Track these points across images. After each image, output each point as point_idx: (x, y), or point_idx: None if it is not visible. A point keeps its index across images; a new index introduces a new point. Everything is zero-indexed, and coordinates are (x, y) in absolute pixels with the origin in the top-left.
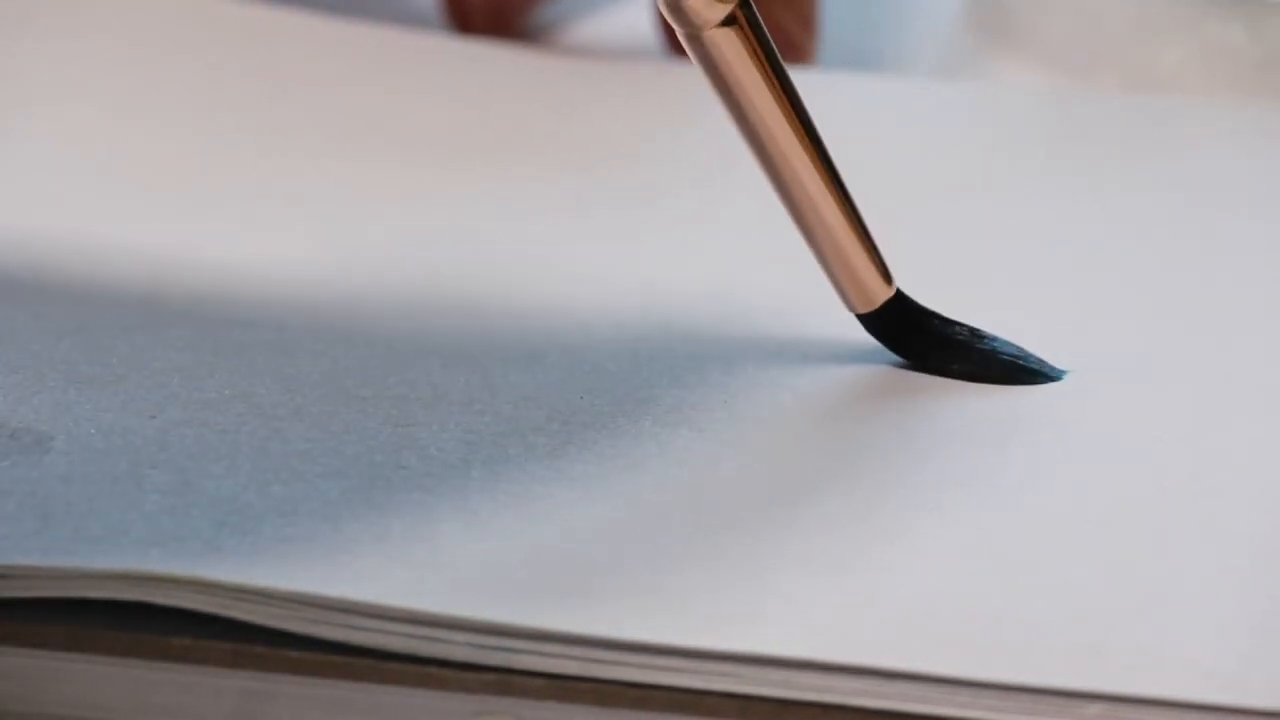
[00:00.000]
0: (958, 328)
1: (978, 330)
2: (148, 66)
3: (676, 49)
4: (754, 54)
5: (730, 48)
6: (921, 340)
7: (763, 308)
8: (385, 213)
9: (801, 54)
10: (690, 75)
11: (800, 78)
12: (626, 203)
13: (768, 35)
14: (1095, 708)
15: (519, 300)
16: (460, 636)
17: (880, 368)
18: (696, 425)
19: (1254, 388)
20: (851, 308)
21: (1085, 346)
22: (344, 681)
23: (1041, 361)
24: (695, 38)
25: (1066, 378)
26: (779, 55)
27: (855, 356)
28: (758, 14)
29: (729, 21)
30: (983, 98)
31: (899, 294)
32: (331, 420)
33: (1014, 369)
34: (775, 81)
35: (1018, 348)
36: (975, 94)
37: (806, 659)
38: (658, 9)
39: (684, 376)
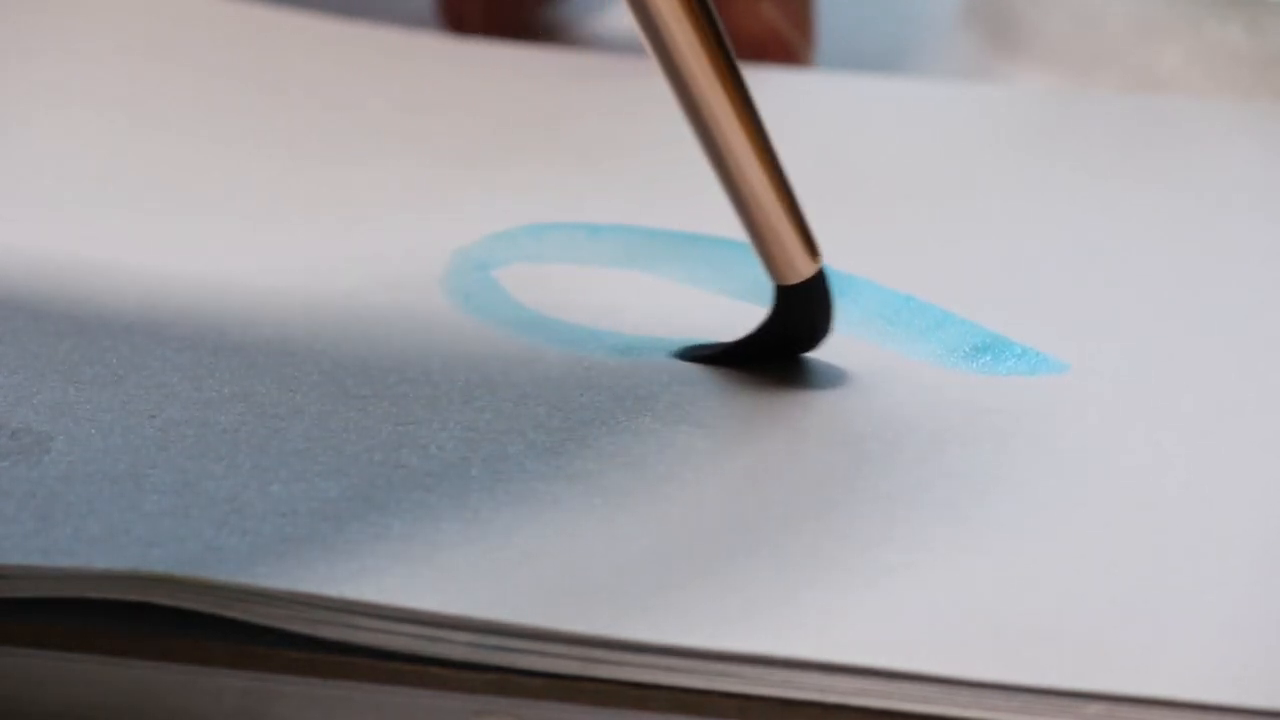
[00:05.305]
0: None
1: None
2: (147, 67)
3: None
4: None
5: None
6: (825, 324)
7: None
8: (384, 212)
9: (797, 57)
10: None
11: (800, 78)
12: (626, 202)
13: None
14: (1095, 708)
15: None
16: (460, 636)
17: (880, 368)
18: (696, 422)
19: (1255, 387)
20: (776, 279)
21: (1085, 346)
22: (344, 681)
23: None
24: None
25: (1067, 376)
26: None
27: (853, 356)
28: None
29: None
30: (983, 98)
31: (822, 271)
32: (331, 419)
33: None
34: (720, 54)
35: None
36: (975, 94)
37: (807, 659)
38: None
39: (684, 373)
